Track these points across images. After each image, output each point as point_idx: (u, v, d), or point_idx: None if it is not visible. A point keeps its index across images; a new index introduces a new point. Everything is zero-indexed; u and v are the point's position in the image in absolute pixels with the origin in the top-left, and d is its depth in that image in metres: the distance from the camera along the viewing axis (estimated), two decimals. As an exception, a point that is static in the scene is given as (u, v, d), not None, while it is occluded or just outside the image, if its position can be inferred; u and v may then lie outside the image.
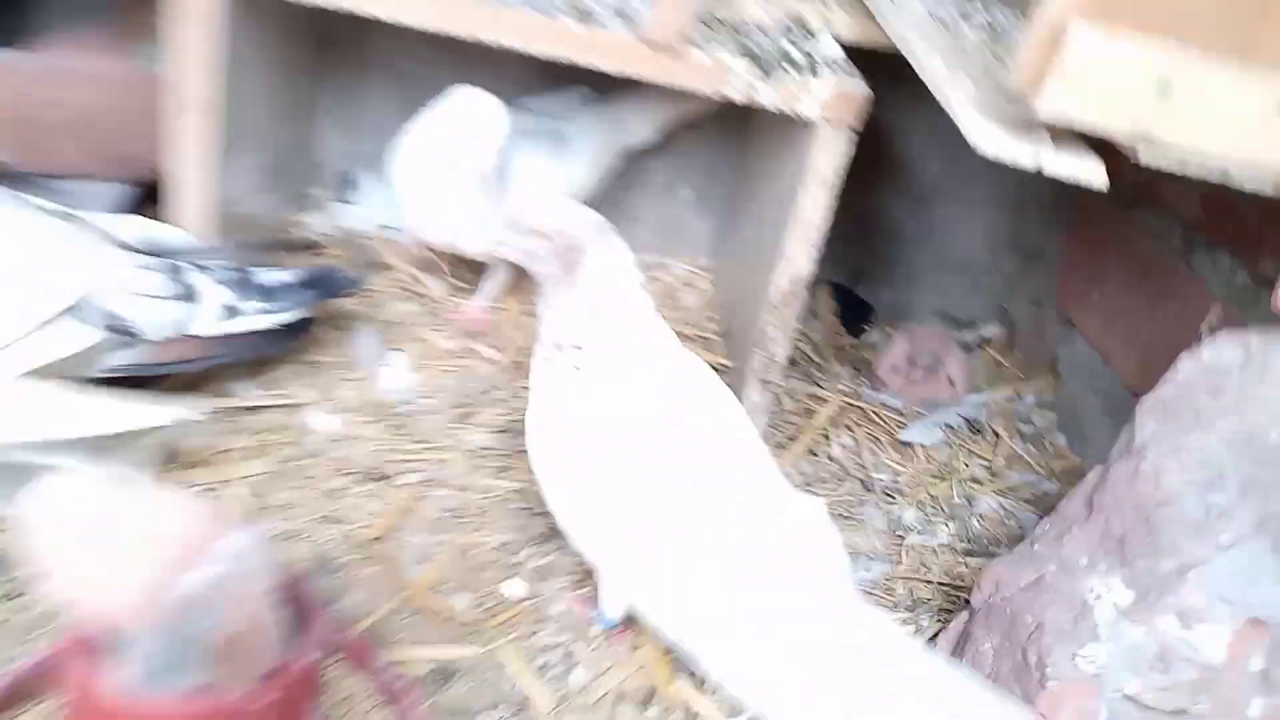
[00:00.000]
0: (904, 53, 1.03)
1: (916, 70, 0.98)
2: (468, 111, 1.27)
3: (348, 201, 1.68)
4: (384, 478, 1.19)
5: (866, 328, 1.80)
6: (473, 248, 1.35)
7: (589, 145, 1.45)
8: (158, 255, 1.13)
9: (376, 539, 1.11)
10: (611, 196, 1.57)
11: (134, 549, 0.63)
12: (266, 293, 1.17)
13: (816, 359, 1.65)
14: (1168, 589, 0.88)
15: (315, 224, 1.61)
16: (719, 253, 1.75)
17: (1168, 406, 0.94)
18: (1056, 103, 0.75)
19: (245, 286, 1.16)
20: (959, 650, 1.04)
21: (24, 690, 0.80)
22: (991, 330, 1.80)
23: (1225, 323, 1.26)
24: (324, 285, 1.24)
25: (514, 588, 1.10)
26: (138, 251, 1.12)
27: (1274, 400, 0.87)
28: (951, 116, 0.86)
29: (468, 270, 1.54)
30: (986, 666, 0.99)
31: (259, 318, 1.17)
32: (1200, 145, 0.76)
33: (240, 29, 1.19)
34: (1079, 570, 0.95)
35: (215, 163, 1.24)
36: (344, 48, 1.57)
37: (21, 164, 1.27)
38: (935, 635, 1.14)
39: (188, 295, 1.11)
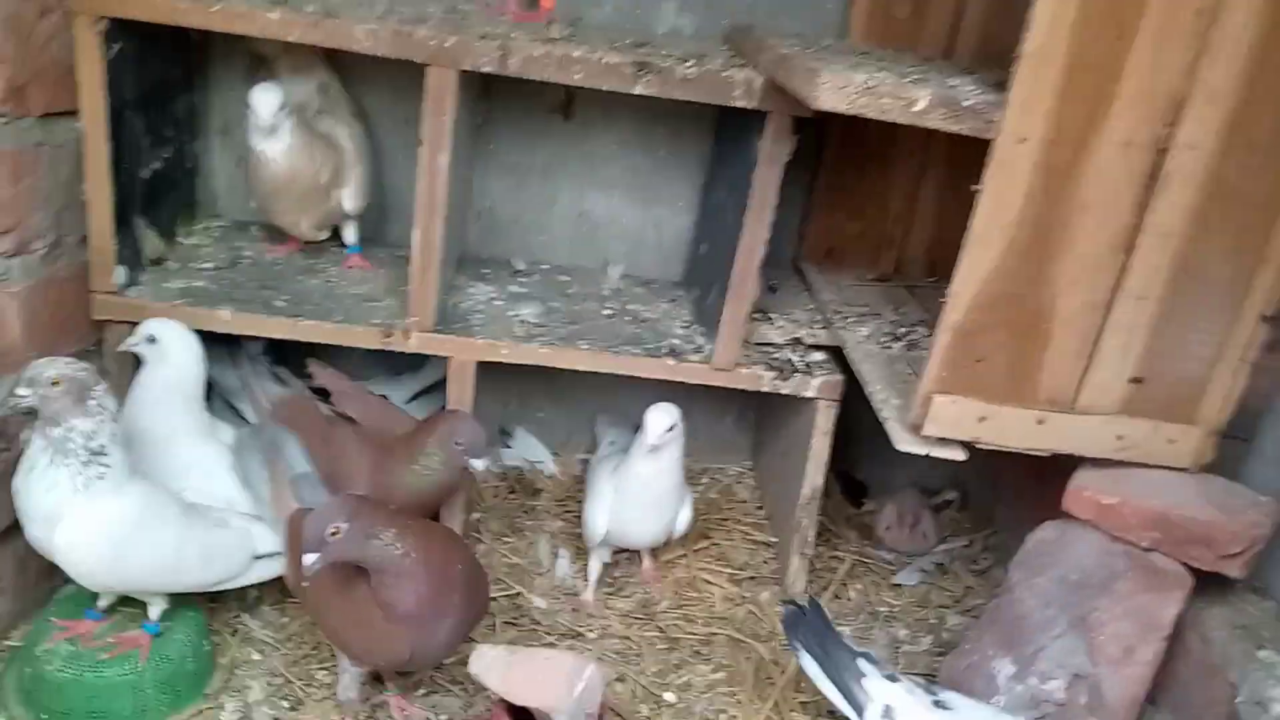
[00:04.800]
0: (858, 376, 1.88)
1: (866, 394, 1.82)
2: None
3: (507, 447, 2.53)
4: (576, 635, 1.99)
5: (865, 500, 2.60)
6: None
7: None
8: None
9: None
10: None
11: (545, 672, 1.44)
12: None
13: (832, 528, 2.45)
14: (1031, 663, 1.66)
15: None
16: (756, 458, 2.58)
17: (1024, 562, 1.74)
18: (931, 430, 1.58)
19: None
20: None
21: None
22: (951, 495, 2.61)
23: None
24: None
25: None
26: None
27: (1072, 559, 1.67)
28: (885, 427, 1.69)
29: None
30: (946, 717, 1.76)
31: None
32: (1003, 444, 1.60)
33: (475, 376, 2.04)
34: (989, 657, 1.73)
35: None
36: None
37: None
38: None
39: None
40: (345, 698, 1.68)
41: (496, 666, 1.51)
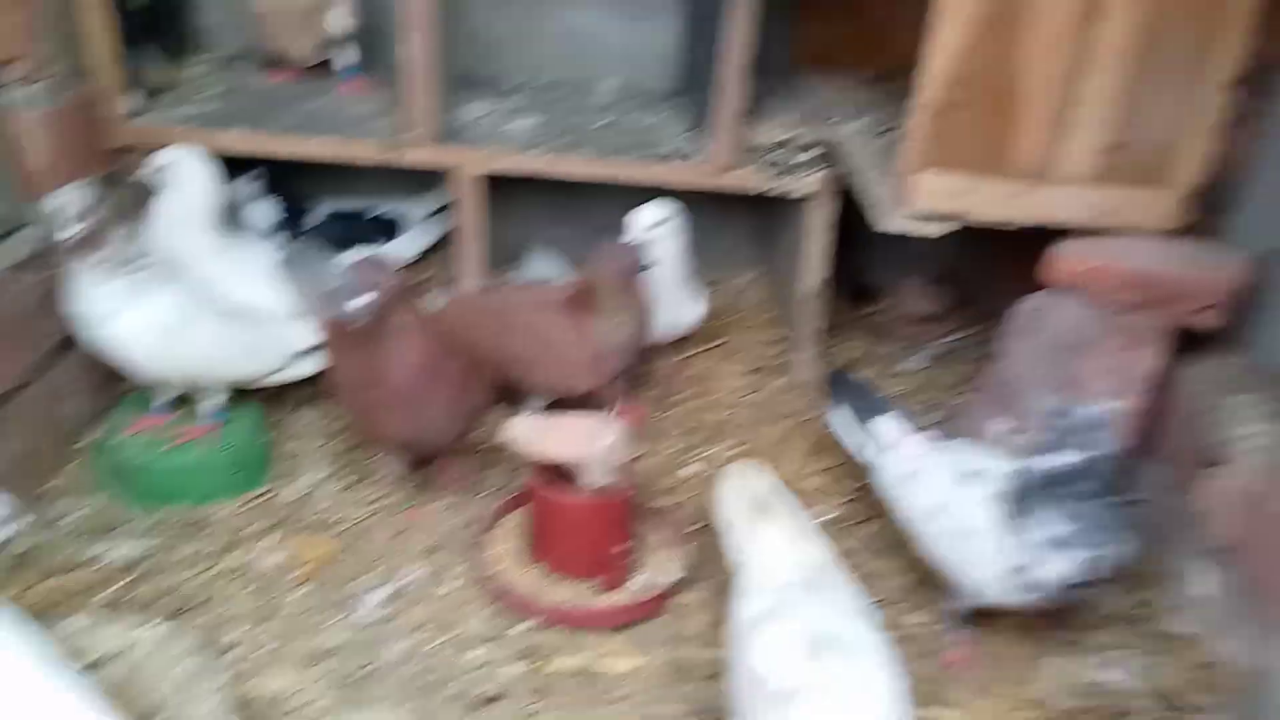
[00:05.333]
0: (847, 162, 1.92)
1: (856, 182, 1.87)
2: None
3: (527, 265, 2.61)
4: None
5: (873, 300, 2.67)
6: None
7: None
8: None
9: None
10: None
11: (573, 431, 1.58)
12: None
13: (840, 326, 2.53)
14: (1025, 418, 1.76)
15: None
16: (764, 264, 2.64)
17: (1015, 330, 1.83)
18: (918, 207, 1.64)
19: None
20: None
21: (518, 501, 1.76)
22: (954, 295, 2.67)
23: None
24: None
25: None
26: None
27: (1056, 324, 1.75)
28: (875, 216, 1.75)
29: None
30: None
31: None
32: (985, 216, 1.65)
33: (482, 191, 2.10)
34: (984, 418, 1.83)
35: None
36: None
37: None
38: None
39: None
40: (395, 473, 1.85)
41: (528, 432, 1.64)
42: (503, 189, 2.52)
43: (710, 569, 1.69)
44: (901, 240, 2.65)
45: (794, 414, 2.18)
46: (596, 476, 1.58)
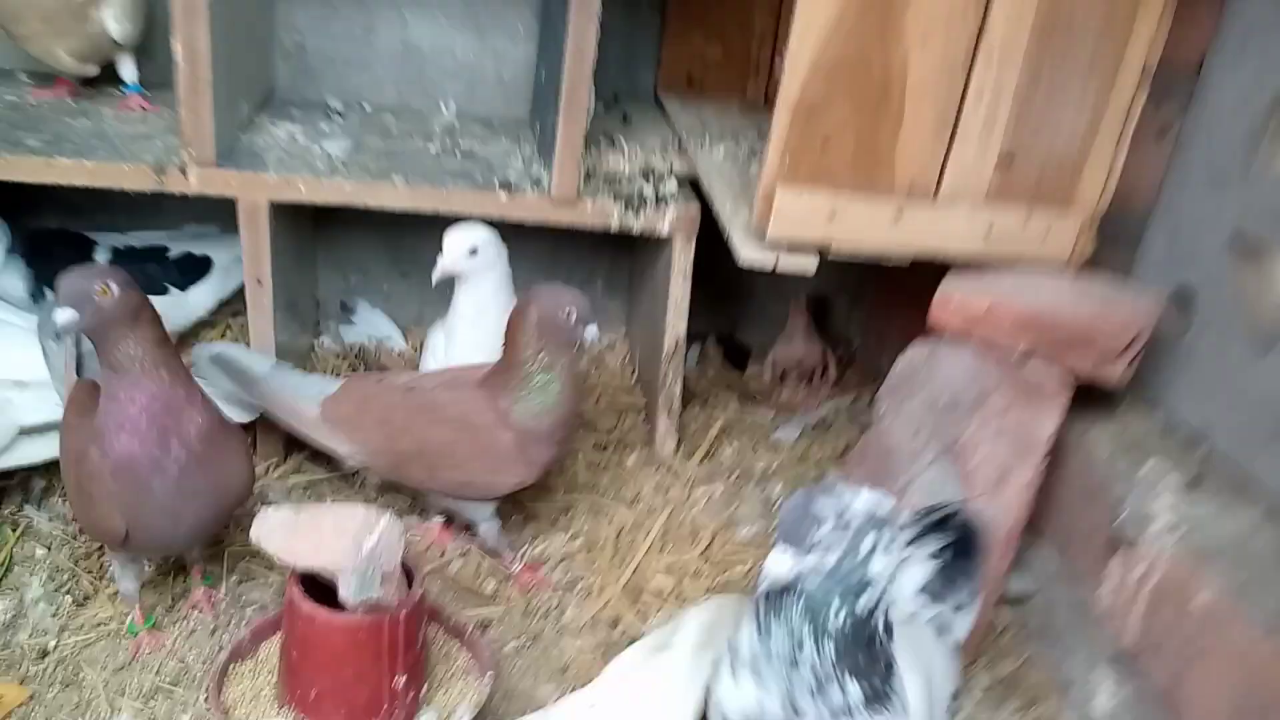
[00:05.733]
0: (708, 197, 1.65)
1: (714, 211, 1.60)
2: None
3: (351, 323, 2.27)
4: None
5: (748, 365, 2.40)
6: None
7: None
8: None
9: (416, 549, 1.68)
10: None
11: (331, 529, 1.21)
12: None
13: (711, 392, 2.25)
14: (900, 497, 1.47)
15: (329, 344, 2.19)
16: (628, 324, 2.35)
17: (893, 388, 1.55)
18: (775, 232, 1.36)
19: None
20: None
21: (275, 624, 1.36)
22: (837, 352, 2.42)
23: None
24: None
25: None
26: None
27: (942, 379, 1.49)
28: (729, 242, 1.47)
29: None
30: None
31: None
32: (859, 246, 1.38)
33: (278, 224, 1.76)
34: (856, 496, 1.54)
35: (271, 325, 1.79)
36: (331, 214, 2.16)
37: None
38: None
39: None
40: (124, 590, 1.44)
41: (278, 529, 1.27)
42: (326, 229, 2.20)
43: (521, 703, 1.36)
44: (782, 292, 2.47)
45: (640, 498, 1.87)
46: (359, 589, 1.22)
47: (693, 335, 2.24)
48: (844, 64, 1.28)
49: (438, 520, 1.74)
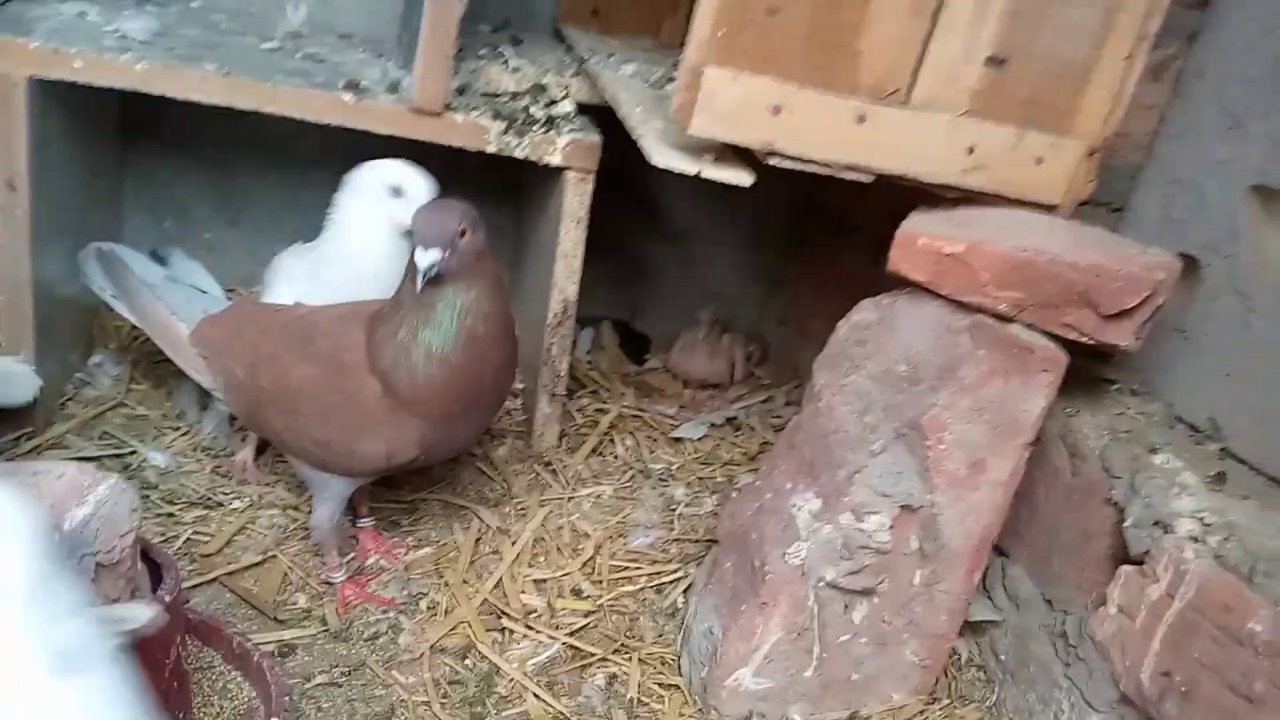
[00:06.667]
0: (613, 105, 1.31)
1: (620, 117, 1.25)
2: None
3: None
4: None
5: (647, 356, 2.06)
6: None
7: None
8: None
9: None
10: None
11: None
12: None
13: (603, 383, 1.89)
14: (843, 492, 1.14)
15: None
16: (510, 288, 1.97)
17: (832, 360, 1.23)
18: (701, 126, 1.02)
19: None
20: (710, 573, 1.27)
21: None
22: (750, 348, 2.09)
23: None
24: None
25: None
26: None
27: (899, 345, 1.17)
28: (640, 145, 1.12)
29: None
30: (728, 579, 1.22)
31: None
32: (808, 151, 1.06)
33: (45, 117, 1.33)
34: (785, 492, 1.20)
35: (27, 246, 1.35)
36: (145, 137, 1.73)
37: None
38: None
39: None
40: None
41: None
42: (136, 159, 1.76)
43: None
44: (687, 278, 2.14)
45: (509, 498, 1.49)
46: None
47: (585, 319, 1.90)
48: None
49: (369, 522, 1.36)
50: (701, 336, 1.96)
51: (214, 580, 1.24)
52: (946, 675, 1.22)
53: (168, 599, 0.90)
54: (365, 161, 1.39)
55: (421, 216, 1.12)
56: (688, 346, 1.97)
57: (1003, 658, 1.22)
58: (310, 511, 1.28)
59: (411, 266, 1.11)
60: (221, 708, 1.06)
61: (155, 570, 0.97)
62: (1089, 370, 1.24)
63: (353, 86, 1.38)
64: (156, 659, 0.90)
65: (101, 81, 1.31)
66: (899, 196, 1.18)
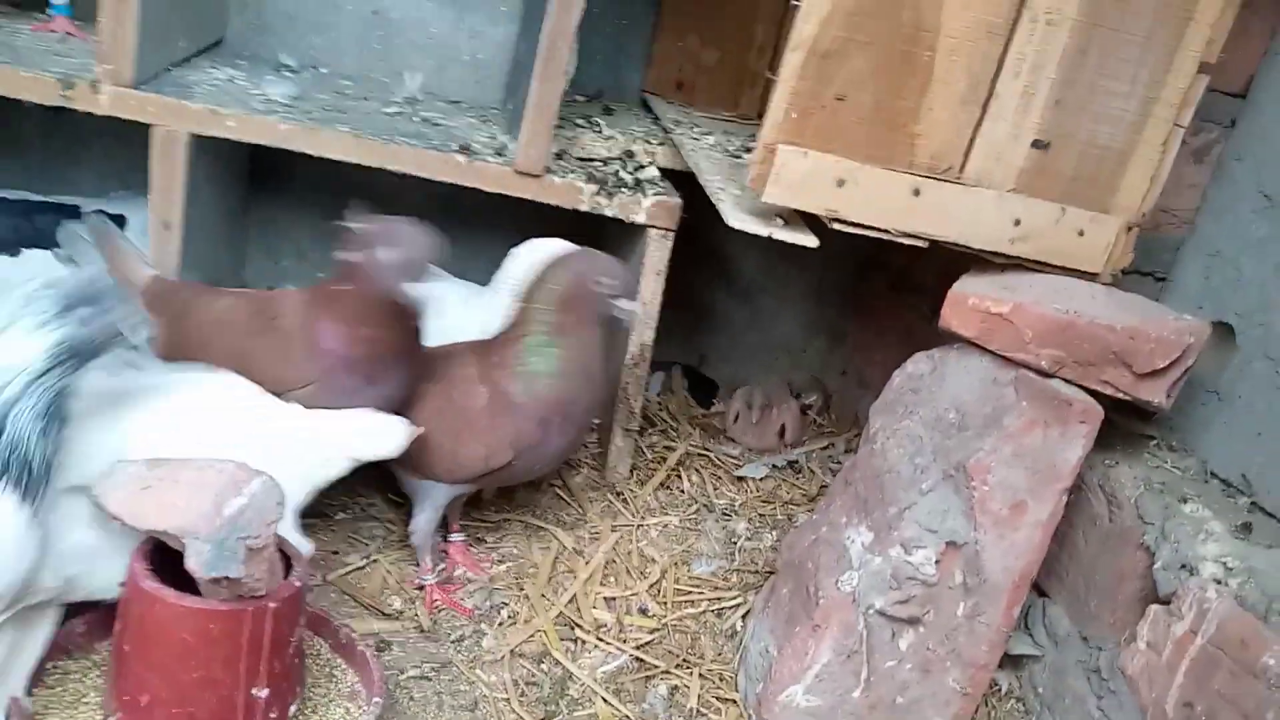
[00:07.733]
0: (695, 172, 1.46)
1: (701, 183, 1.40)
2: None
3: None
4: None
5: (714, 400, 2.19)
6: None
7: None
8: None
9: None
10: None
11: (190, 487, 0.95)
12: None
13: (672, 423, 2.02)
14: (894, 527, 1.25)
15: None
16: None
17: (888, 406, 1.34)
18: (774, 195, 1.17)
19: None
20: (768, 599, 1.39)
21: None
22: (812, 398, 2.21)
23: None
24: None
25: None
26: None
27: (949, 394, 1.28)
28: (719, 209, 1.27)
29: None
30: (784, 604, 1.34)
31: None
32: (868, 219, 1.19)
33: (197, 167, 1.53)
34: (840, 526, 1.32)
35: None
36: (269, 187, 1.93)
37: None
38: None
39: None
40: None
41: (124, 484, 1.01)
42: (259, 207, 1.97)
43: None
44: (754, 329, 2.27)
45: (584, 522, 1.63)
46: (214, 562, 0.96)
47: (656, 363, 2.04)
48: (869, 5, 1.10)
49: (459, 538, 1.51)
50: (734, 420, 2.03)
51: (322, 582, 1.39)
52: (986, 704, 1.30)
53: (298, 584, 1.05)
54: (529, 239, 1.57)
55: (618, 270, 1.31)
56: (740, 414, 2.06)
57: (1040, 690, 1.30)
58: (409, 520, 1.42)
59: (577, 304, 1.29)
60: (328, 689, 1.19)
61: (285, 561, 1.11)
62: (1129, 427, 1.33)
63: (465, 149, 1.56)
64: (284, 635, 1.05)
65: (251, 139, 1.50)
66: (952, 259, 1.30)
